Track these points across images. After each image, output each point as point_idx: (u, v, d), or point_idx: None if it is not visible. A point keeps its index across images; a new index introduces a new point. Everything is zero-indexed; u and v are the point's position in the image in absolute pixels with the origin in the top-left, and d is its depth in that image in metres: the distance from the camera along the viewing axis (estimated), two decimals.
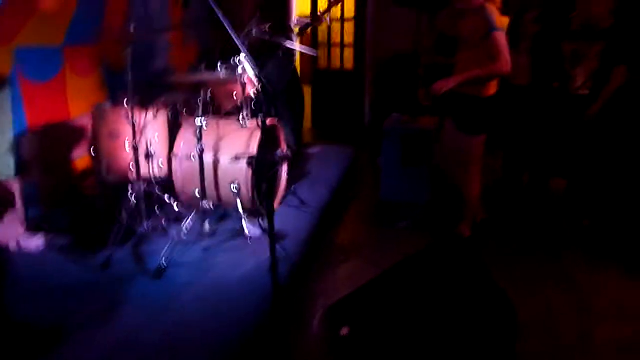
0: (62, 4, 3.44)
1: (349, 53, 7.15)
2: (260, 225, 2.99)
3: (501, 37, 2.73)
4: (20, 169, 3.20)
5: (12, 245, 2.83)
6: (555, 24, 3.78)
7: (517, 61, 3.93)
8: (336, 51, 7.21)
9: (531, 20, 3.83)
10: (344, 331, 1.91)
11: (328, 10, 4.34)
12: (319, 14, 4.32)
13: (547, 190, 4.20)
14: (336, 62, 7.23)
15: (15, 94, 3.16)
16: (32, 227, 2.95)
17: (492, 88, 2.91)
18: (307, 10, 7.30)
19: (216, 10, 1.77)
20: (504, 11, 5.32)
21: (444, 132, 3.15)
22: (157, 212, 3.05)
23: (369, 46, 6.88)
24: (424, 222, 3.73)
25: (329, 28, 7.11)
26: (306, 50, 4.13)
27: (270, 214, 1.88)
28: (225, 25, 1.79)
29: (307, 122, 6.84)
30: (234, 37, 1.83)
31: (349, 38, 7.08)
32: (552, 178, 4.26)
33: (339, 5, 6.85)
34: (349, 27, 7.05)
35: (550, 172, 4.25)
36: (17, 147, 3.18)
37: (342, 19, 7.02)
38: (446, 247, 2.43)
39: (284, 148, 3.37)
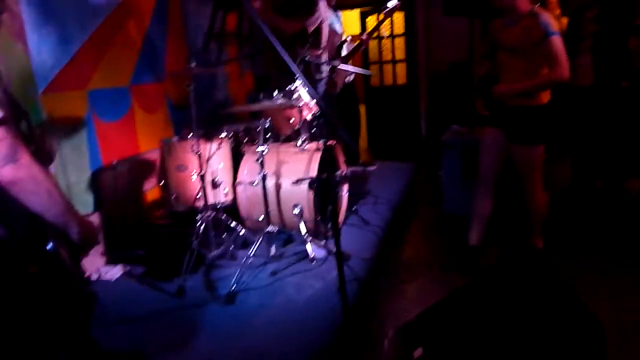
0: (128, 48, 3.69)
1: (401, 68, 7.14)
2: (324, 246, 3.01)
3: (559, 42, 2.63)
4: (98, 204, 3.42)
5: (94, 276, 3.01)
6: (617, 20, 3.60)
7: (579, 62, 3.78)
8: (388, 67, 7.21)
9: (591, 19, 3.67)
10: (418, 352, 1.86)
11: (377, 28, 4.37)
12: (366, 34, 4.37)
13: (623, 193, 3.95)
14: (388, 79, 7.23)
15: (90, 134, 3.40)
16: (112, 258, 3.13)
17: (546, 96, 2.78)
18: (356, 31, 7.39)
19: (272, 41, 1.82)
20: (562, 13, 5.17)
21: (491, 144, 3.00)
22: (225, 238, 3.14)
23: (421, 59, 6.85)
24: (491, 235, 3.60)
25: (380, 45, 7.14)
26: (360, 71, 4.16)
27: (336, 235, 1.89)
28: (281, 53, 1.83)
29: (364, 142, 6.85)
30: (290, 64, 1.87)
31: (400, 54, 7.08)
32: (627, 180, 4.00)
33: (388, 22, 6.91)
34: (399, 43, 7.05)
35: (625, 173, 4.00)
36: (94, 183, 3.41)
37: (392, 35, 7.04)
38: (520, 260, 2.32)
39: (343, 168, 3.39)
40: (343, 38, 4.53)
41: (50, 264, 1.38)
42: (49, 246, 1.36)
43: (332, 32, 4.48)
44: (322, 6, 3.62)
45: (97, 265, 3.06)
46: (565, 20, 4.92)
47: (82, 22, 3.30)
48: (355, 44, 4.43)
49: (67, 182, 3.17)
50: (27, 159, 1.26)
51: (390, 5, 4.05)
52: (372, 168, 4.86)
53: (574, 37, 3.84)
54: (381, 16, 4.01)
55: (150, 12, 3.92)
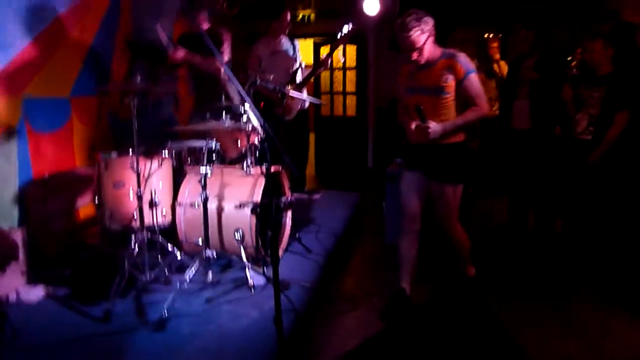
0: (71, 58, 3.54)
1: (351, 100, 7.28)
2: (264, 273, 2.94)
3: (477, 79, 2.74)
4: (24, 219, 3.19)
5: (12, 297, 2.77)
6: (554, 70, 3.84)
7: (517, 105, 4.00)
8: (339, 98, 7.34)
9: (530, 67, 3.90)
10: None
11: (330, 54, 4.46)
12: (321, 59, 4.47)
13: (553, 233, 4.15)
14: (339, 109, 7.35)
15: (22, 144, 3.20)
16: (33, 277, 2.90)
17: (464, 134, 2.86)
18: (310, 61, 7.49)
19: (221, 63, 1.79)
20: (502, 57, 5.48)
21: (411, 186, 2.98)
22: (160, 261, 3.01)
23: (370, 92, 7.02)
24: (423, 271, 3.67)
25: (331, 76, 7.27)
26: (312, 99, 4.21)
27: (275, 263, 1.84)
28: (231, 77, 1.81)
29: (311, 169, 6.87)
30: (238, 88, 1.85)
31: (351, 86, 7.23)
32: (557, 221, 4.22)
33: (341, 54, 7.07)
34: (351, 75, 7.21)
35: (555, 214, 4.21)
36: (21, 196, 3.19)
37: (345, 68, 7.19)
38: (451, 297, 2.37)
39: (288, 195, 3.36)
40: (298, 65, 4.58)
41: None
42: None
43: (286, 57, 4.52)
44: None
45: (15, 285, 2.82)
46: (504, 65, 5.23)
47: (24, 26, 3.14)
48: (310, 70, 4.51)
49: None
50: None
51: (345, 30, 4.19)
52: (316, 196, 4.85)
53: (513, 82, 4.07)
54: (325, 52, 4.19)
55: (98, 22, 3.79)
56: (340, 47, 6.37)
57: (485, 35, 6.85)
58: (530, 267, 3.68)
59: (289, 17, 4.51)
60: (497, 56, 5.51)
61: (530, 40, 3.93)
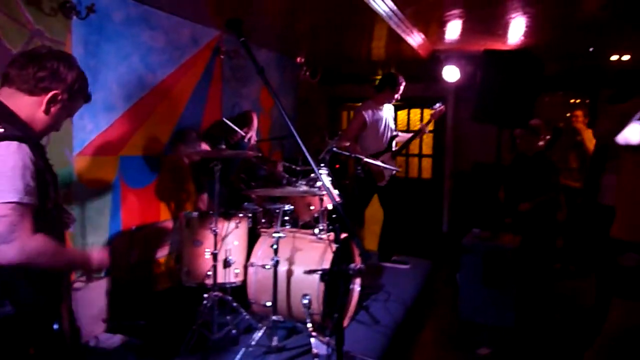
0: (165, 120, 3.85)
1: (427, 163, 7.22)
2: (328, 342, 2.89)
3: None
4: (110, 269, 3.41)
5: (92, 342, 2.93)
6: None
7: (605, 181, 3.76)
8: (414, 161, 7.30)
9: None
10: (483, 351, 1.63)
11: (429, 122, 4.55)
12: (420, 126, 4.56)
13: None
14: (414, 172, 7.30)
15: (115, 198, 3.47)
16: (112, 326, 3.06)
17: None
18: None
19: (295, 134, 1.87)
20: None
21: None
22: (229, 320, 3.06)
23: (447, 156, 6.93)
24: (509, 349, 3.41)
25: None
26: (390, 167, 4.22)
27: (339, 338, 1.81)
28: (302, 149, 1.87)
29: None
30: (307, 156, 1.89)
31: (427, 149, 7.19)
32: None
33: (419, 117, 7.11)
34: (427, 138, 7.18)
35: None
36: (109, 247, 3.42)
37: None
38: None
39: (358, 262, 3.33)
40: (394, 133, 4.65)
41: (52, 343, 1.36)
42: (55, 327, 1.35)
43: (388, 124, 4.61)
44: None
45: (96, 332, 2.99)
46: (590, 135, 4.99)
47: (127, 92, 3.49)
48: (410, 135, 4.60)
49: (83, 242, 3.20)
50: (22, 240, 1.29)
51: (436, 107, 4.32)
52: (405, 266, 4.72)
53: (602, 155, 3.85)
54: (427, 116, 4.31)
55: (192, 88, 4.13)
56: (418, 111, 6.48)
57: (572, 101, 6.63)
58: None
59: (402, 87, 4.54)
60: (580, 125, 5.26)
61: None
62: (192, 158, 3.47)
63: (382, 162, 4.16)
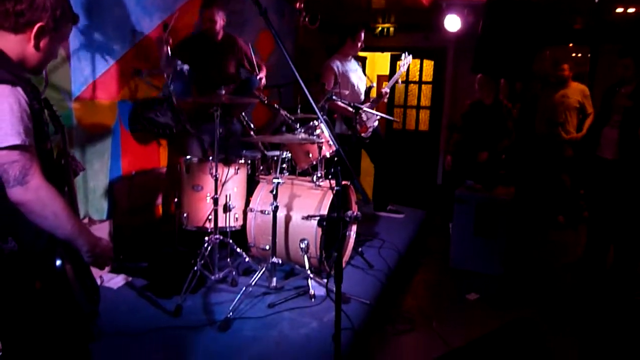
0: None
1: (424, 115, 7.22)
2: (325, 285, 3.01)
3: None
4: (112, 212, 3.47)
5: (97, 282, 3.03)
6: None
7: (605, 134, 3.80)
8: (412, 112, 7.30)
9: (624, 95, 3.70)
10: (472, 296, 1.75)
11: (396, 78, 4.48)
12: (384, 90, 4.47)
13: (634, 274, 3.89)
14: (411, 124, 7.31)
15: (115, 143, 3.49)
16: (116, 267, 3.16)
17: None
18: (386, 72, 7.52)
19: (298, 78, 1.88)
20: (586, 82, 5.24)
21: None
22: (229, 263, 3.17)
23: (445, 108, 6.92)
24: (496, 295, 3.57)
25: (406, 90, 7.25)
26: (388, 117, 4.23)
27: (338, 280, 1.90)
28: (305, 92, 1.89)
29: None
30: (312, 103, 1.92)
31: (425, 101, 7.17)
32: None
33: (418, 68, 7.04)
34: (426, 90, 7.15)
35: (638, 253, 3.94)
36: (110, 191, 3.48)
37: (420, 82, 7.14)
38: (516, 332, 2.30)
39: (354, 209, 3.42)
40: (367, 84, 4.62)
41: (55, 281, 1.40)
42: (57, 263, 1.39)
43: (360, 75, 4.57)
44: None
45: (100, 272, 3.09)
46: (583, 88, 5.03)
47: (123, 35, 3.43)
48: (375, 96, 4.55)
49: (85, 187, 3.24)
50: (36, 182, 1.30)
51: (403, 60, 4.32)
52: (400, 216, 4.84)
53: (605, 109, 3.87)
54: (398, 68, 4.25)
55: (192, 30, 4.06)
56: (415, 62, 6.35)
57: (573, 55, 6.57)
58: (605, 311, 3.47)
59: (363, 36, 4.52)
60: (566, 77, 5.22)
61: (629, 68, 3.72)
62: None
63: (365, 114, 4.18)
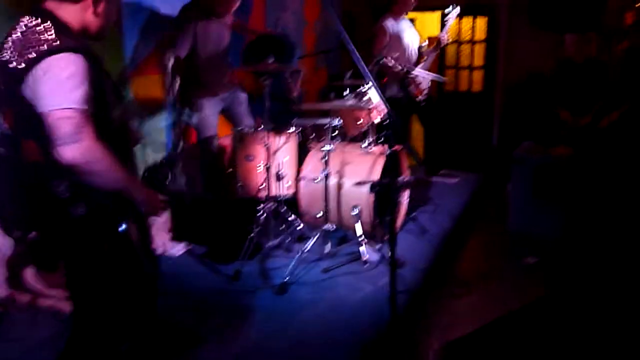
0: None
1: (478, 75, 6.93)
2: (378, 250, 3.02)
3: None
4: (171, 181, 3.61)
5: (160, 250, 3.20)
6: None
7: None
8: (464, 73, 7.03)
9: None
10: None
11: (445, 30, 4.30)
12: (440, 35, 4.29)
13: None
14: (464, 85, 7.05)
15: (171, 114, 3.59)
16: (177, 235, 3.31)
17: None
18: (436, 32, 7.23)
19: (346, 41, 1.86)
20: None
21: None
22: (283, 230, 3.24)
23: (499, 68, 6.61)
24: (554, 259, 3.46)
25: (458, 50, 6.97)
26: (436, 77, 4.11)
27: (392, 243, 1.90)
28: (354, 56, 1.87)
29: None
30: (362, 68, 1.90)
31: (478, 60, 6.87)
32: None
33: (470, 26, 6.73)
34: (479, 49, 6.84)
35: None
36: (170, 161, 3.60)
37: (473, 41, 6.84)
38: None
39: (406, 174, 3.38)
40: (420, 43, 4.48)
41: (121, 244, 1.49)
42: (121, 227, 1.48)
43: (412, 34, 4.44)
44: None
45: (163, 240, 3.24)
46: None
47: (171, 6, 3.48)
48: (431, 48, 4.40)
49: (145, 159, 3.38)
50: (88, 142, 1.36)
51: (450, 12, 4.23)
52: (453, 180, 4.76)
53: None
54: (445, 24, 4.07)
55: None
56: (467, 18, 6.06)
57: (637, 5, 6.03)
58: None
59: None
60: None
61: None
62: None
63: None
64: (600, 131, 3.89)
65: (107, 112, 1.49)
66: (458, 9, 4.18)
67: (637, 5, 4.61)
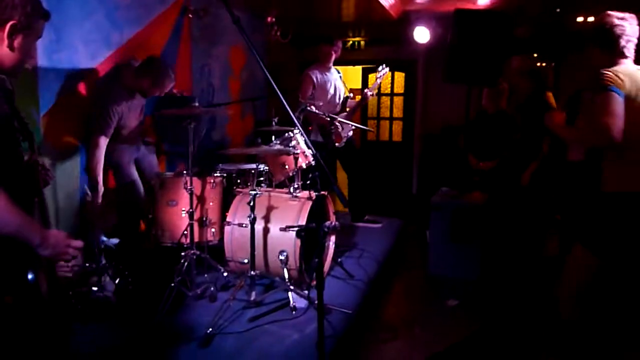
0: None
1: (397, 126, 7.31)
2: (306, 296, 2.98)
3: None
4: (81, 230, 3.37)
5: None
6: None
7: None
8: (385, 124, 7.39)
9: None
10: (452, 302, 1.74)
11: (375, 86, 4.55)
12: (366, 91, 4.52)
13: None
14: (385, 135, 7.39)
15: (83, 158, 3.40)
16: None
17: None
18: (358, 85, 7.59)
19: (275, 88, 1.89)
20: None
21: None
22: (207, 278, 3.11)
23: (417, 119, 7.03)
24: (475, 300, 3.60)
25: (379, 102, 7.34)
26: (362, 127, 4.28)
27: (320, 289, 1.88)
28: (282, 102, 1.90)
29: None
30: (290, 113, 1.93)
31: (397, 112, 7.27)
32: None
33: (389, 80, 7.14)
34: (398, 101, 7.25)
35: None
36: (82, 210, 3.38)
37: (392, 94, 7.24)
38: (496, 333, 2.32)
39: (332, 219, 3.41)
40: (345, 94, 4.66)
41: (28, 295, 1.35)
42: (30, 277, 1.34)
43: (337, 85, 4.62)
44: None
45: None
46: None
47: (92, 50, 3.38)
48: (358, 100, 4.60)
49: (56, 206, 3.15)
50: None
51: (380, 72, 4.44)
52: (377, 225, 4.85)
53: (573, 112, 3.97)
54: (373, 80, 4.30)
55: (160, 48, 4.02)
56: (388, 74, 6.46)
57: (538, 64, 6.76)
58: None
59: (340, 44, 4.60)
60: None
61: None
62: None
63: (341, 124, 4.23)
64: (519, 184, 4.21)
65: (14, 148, 1.38)
66: (387, 69, 4.46)
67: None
